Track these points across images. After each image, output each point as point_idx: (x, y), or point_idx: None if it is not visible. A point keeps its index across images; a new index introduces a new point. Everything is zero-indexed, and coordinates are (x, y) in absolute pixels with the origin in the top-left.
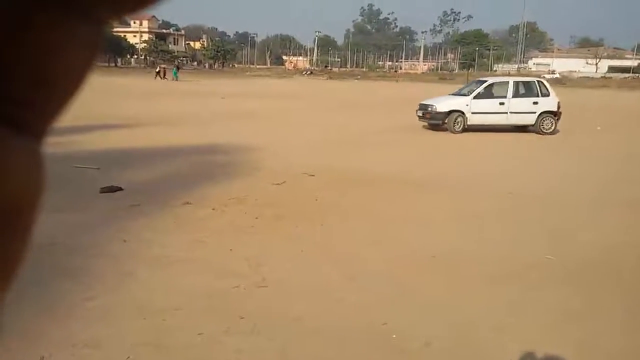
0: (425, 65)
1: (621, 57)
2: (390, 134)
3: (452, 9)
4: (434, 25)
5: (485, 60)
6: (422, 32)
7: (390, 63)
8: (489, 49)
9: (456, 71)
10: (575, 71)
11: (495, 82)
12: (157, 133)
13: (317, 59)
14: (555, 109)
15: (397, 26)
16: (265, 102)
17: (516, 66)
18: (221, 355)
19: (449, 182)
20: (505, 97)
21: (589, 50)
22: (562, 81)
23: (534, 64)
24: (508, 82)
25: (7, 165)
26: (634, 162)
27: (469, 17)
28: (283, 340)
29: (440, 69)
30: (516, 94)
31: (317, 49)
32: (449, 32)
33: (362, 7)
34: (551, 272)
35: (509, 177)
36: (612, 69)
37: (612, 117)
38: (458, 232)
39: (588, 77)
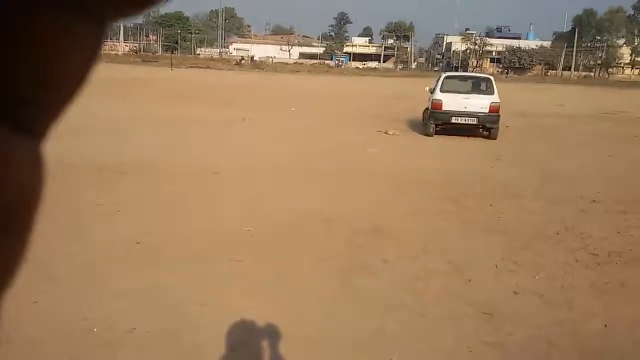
0: (126, 46)
1: (309, 45)
2: None
3: None
4: None
5: (188, 43)
6: None
7: None
8: (191, 33)
9: (159, 53)
10: (272, 57)
11: None
12: None
13: None
14: None
15: None
16: None
17: (218, 50)
18: None
19: (148, 168)
20: None
21: (282, 37)
22: (260, 66)
23: (234, 49)
24: None
25: (9, 165)
26: (318, 140)
27: None
28: None
29: (143, 51)
30: None
31: None
32: (149, 13)
33: None
34: (249, 242)
35: (213, 156)
36: (302, 55)
37: (305, 99)
38: (162, 215)
39: (283, 62)
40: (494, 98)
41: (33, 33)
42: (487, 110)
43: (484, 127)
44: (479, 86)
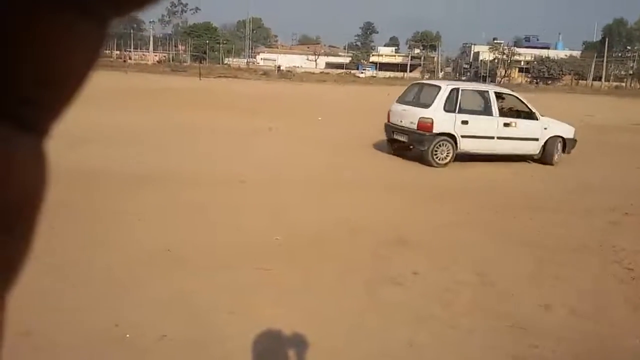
0: (156, 56)
1: (335, 55)
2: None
3: (179, 0)
4: (163, 16)
5: (216, 53)
6: (150, 22)
7: (118, 52)
8: (219, 43)
9: (188, 63)
10: (299, 66)
11: None
12: None
13: None
14: None
15: None
16: None
17: (245, 60)
18: None
19: (175, 176)
20: None
21: (308, 47)
22: (286, 76)
23: (261, 59)
24: None
25: (12, 163)
26: (343, 150)
27: (197, 9)
28: (9, 353)
29: (172, 60)
30: None
31: None
32: (178, 24)
33: None
34: (278, 251)
35: (239, 165)
36: (328, 65)
37: (331, 108)
38: (189, 224)
39: (310, 72)
40: (429, 112)
41: (34, 32)
42: (415, 127)
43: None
44: (426, 95)
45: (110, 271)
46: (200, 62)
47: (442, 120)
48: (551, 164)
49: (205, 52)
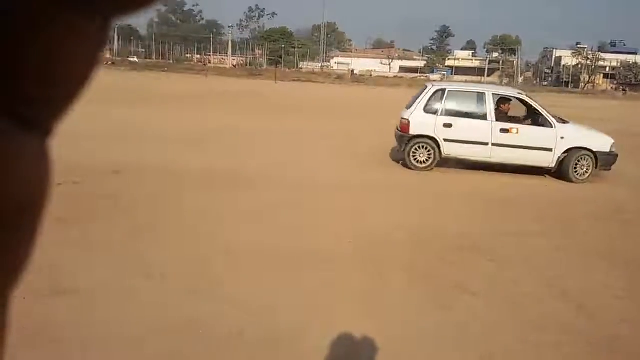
0: (234, 60)
1: (410, 58)
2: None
3: (257, 5)
4: (241, 21)
5: (291, 57)
6: (229, 27)
7: (198, 56)
8: (295, 47)
9: (264, 67)
10: (372, 70)
11: None
12: None
13: (118, 49)
14: None
15: (202, 19)
16: None
17: (319, 64)
18: None
19: (243, 176)
20: None
21: (382, 51)
22: (360, 80)
23: (335, 63)
24: None
25: (18, 162)
26: None
27: (274, 14)
28: (87, 350)
29: (249, 65)
30: None
31: (118, 39)
32: (255, 28)
33: None
34: (349, 255)
35: (310, 171)
36: (403, 69)
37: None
38: (265, 224)
39: (383, 76)
40: (408, 113)
41: (38, 32)
42: (399, 128)
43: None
44: (417, 95)
45: (189, 266)
46: (276, 66)
47: (419, 122)
48: (570, 181)
49: (280, 57)
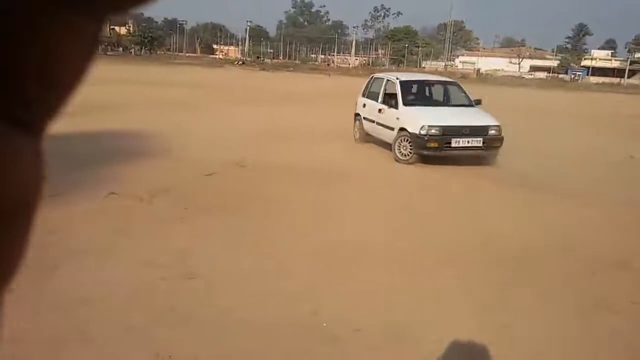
0: (357, 59)
1: (542, 58)
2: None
3: (382, 5)
4: (365, 21)
5: (414, 57)
6: (354, 27)
7: (323, 56)
8: (418, 46)
9: (386, 67)
10: (500, 69)
11: None
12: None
13: (249, 50)
14: None
15: (329, 19)
16: (192, 92)
17: (443, 63)
18: (150, 348)
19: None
20: None
21: (512, 50)
22: (485, 79)
23: (460, 61)
24: None
25: (12, 162)
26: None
27: (399, 13)
28: (212, 332)
29: (372, 64)
30: None
31: (249, 39)
32: (379, 28)
33: None
34: (474, 261)
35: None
36: (533, 68)
37: (527, 116)
38: (381, 222)
39: (511, 75)
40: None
41: (38, 32)
42: None
43: None
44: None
45: (314, 259)
46: (398, 66)
47: (358, 102)
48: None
49: (403, 56)
